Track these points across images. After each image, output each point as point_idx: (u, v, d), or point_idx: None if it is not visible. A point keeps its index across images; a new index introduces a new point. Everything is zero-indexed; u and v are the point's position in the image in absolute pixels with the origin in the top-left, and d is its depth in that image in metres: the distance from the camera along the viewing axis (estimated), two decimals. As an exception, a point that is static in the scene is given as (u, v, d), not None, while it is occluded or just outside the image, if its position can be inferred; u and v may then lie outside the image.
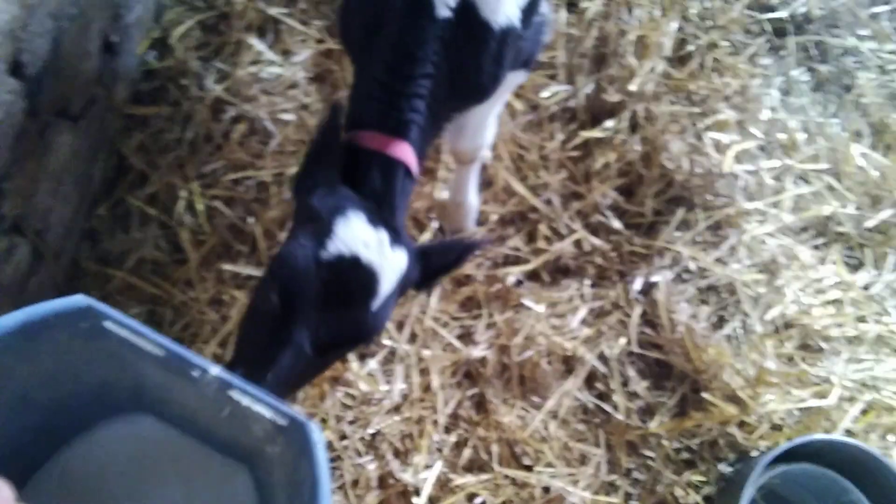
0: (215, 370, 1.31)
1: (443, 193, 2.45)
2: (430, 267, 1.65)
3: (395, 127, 1.64)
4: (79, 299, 1.30)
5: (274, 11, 2.68)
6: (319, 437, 1.28)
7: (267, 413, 1.32)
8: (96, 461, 1.55)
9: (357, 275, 1.47)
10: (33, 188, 1.92)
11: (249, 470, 1.64)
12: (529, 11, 1.77)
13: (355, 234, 1.48)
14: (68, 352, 1.38)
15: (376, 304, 1.50)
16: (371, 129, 1.64)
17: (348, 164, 1.64)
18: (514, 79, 1.99)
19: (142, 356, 1.35)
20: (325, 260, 1.45)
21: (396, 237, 1.54)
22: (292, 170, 2.37)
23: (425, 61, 1.64)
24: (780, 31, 2.98)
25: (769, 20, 2.96)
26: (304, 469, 1.28)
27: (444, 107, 1.77)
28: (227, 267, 2.24)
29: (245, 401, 1.33)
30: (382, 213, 1.57)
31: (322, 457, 1.26)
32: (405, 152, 1.64)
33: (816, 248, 2.57)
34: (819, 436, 2.12)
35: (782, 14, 2.97)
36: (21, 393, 1.23)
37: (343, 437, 2.10)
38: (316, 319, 1.44)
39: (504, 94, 2.11)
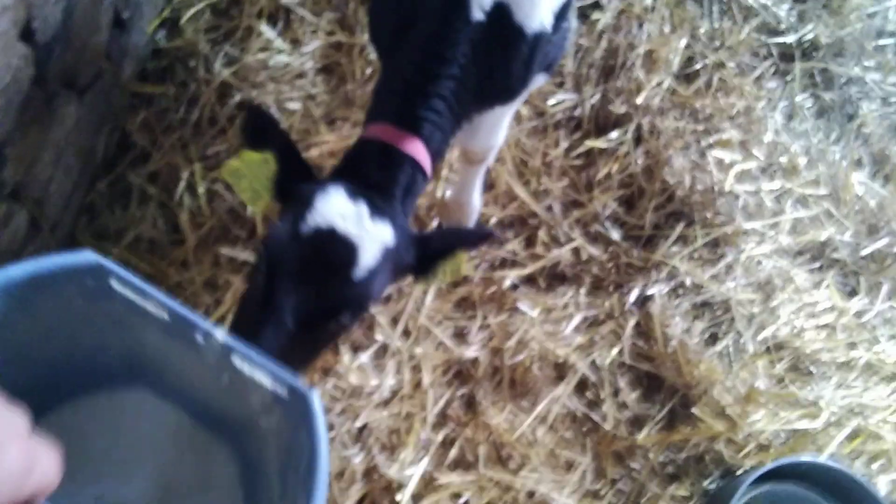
0: (220, 334, 1.29)
1: (446, 192, 2.44)
2: (429, 251, 1.64)
3: (410, 123, 1.63)
4: (89, 255, 1.28)
5: (286, 0, 2.67)
6: (320, 406, 1.26)
7: (268, 382, 1.31)
8: (79, 430, 1.53)
9: (334, 246, 1.47)
10: (35, 157, 1.90)
11: (234, 449, 1.62)
12: (560, 17, 1.78)
13: (333, 207, 1.48)
14: (70, 309, 1.35)
15: (357, 276, 1.48)
16: (387, 122, 1.64)
17: (355, 156, 1.64)
18: (536, 82, 2.00)
19: (145, 320, 1.33)
20: (304, 233, 1.46)
21: (378, 212, 1.52)
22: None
23: (453, 63, 1.64)
24: (786, 56, 3.01)
25: (776, 45, 2.99)
26: (302, 440, 1.26)
27: (467, 108, 1.77)
28: (225, 251, 2.23)
29: (247, 368, 1.31)
30: (370, 194, 1.56)
31: (322, 427, 1.24)
32: (416, 148, 1.63)
33: (812, 272, 2.59)
34: (806, 457, 2.13)
35: (790, 39, 3.00)
36: (17, 348, 1.20)
37: (330, 427, 2.08)
38: (297, 293, 1.44)
39: (523, 98, 2.12)
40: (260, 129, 1.57)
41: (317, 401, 1.26)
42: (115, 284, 1.31)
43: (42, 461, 0.74)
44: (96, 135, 2.24)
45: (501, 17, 1.65)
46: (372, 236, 1.50)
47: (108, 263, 1.28)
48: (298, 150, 1.60)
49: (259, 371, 1.30)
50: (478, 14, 1.63)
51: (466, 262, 1.73)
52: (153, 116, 2.42)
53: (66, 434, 1.53)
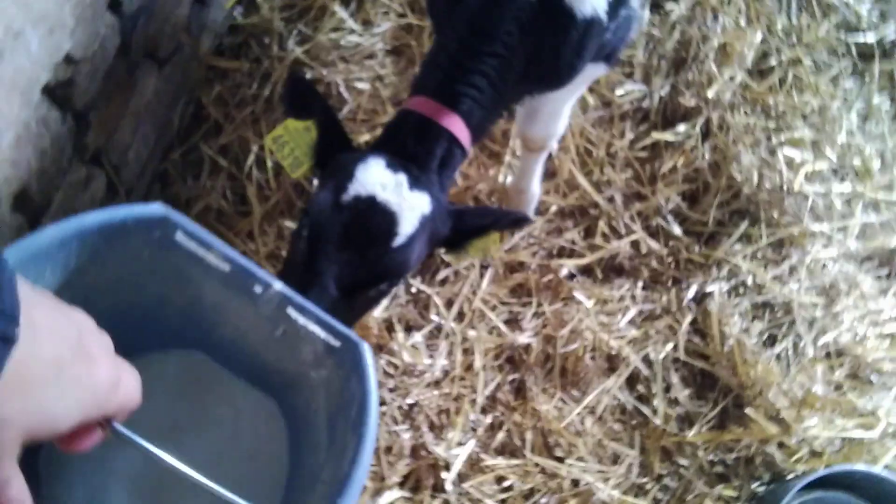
0: (278, 285, 1.34)
1: (508, 179, 2.45)
2: (463, 225, 1.67)
3: (448, 97, 1.65)
4: (157, 207, 1.34)
5: (360, -19, 2.71)
6: (371, 357, 1.31)
7: (321, 333, 1.36)
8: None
9: (374, 214, 1.52)
10: (116, 124, 1.98)
11: (281, 402, 1.68)
12: (617, 4, 1.75)
13: (373, 177, 1.53)
14: (136, 260, 1.41)
15: (397, 243, 1.53)
16: (428, 95, 1.66)
17: (395, 127, 1.67)
18: (594, 71, 1.98)
19: (206, 272, 1.39)
20: (345, 202, 1.51)
21: (417, 182, 1.56)
22: (364, 137, 2.40)
23: (498, 40, 1.64)
24: (865, 55, 2.91)
25: (856, 43, 2.89)
26: (353, 389, 1.31)
27: (513, 89, 1.77)
28: (289, 224, 2.29)
29: (301, 319, 1.36)
30: (408, 164, 1.59)
31: (373, 376, 1.30)
32: (454, 123, 1.65)
33: (878, 279, 2.52)
34: (860, 466, 2.08)
35: (870, 38, 2.90)
36: (86, 294, 1.26)
37: (382, 402, 2.12)
38: (338, 260, 1.49)
39: (582, 86, 2.10)
40: (302, 98, 1.63)
41: (367, 350, 1.30)
42: (180, 237, 1.37)
43: (127, 380, 0.80)
44: (173, 106, 2.32)
45: None
46: (411, 205, 1.54)
47: (175, 215, 1.34)
48: (339, 120, 1.66)
49: (313, 321, 1.35)
50: None
51: (497, 243, 1.76)
52: (227, 91, 2.49)
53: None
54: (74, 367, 0.70)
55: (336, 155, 1.61)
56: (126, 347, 1.48)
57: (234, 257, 1.35)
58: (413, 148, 1.63)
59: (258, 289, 1.37)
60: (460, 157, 1.72)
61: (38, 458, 1.52)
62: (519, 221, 1.82)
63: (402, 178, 1.54)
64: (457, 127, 1.65)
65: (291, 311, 1.37)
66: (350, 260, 1.51)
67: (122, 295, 1.47)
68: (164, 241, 1.38)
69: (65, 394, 0.69)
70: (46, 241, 1.26)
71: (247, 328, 1.53)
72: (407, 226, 1.53)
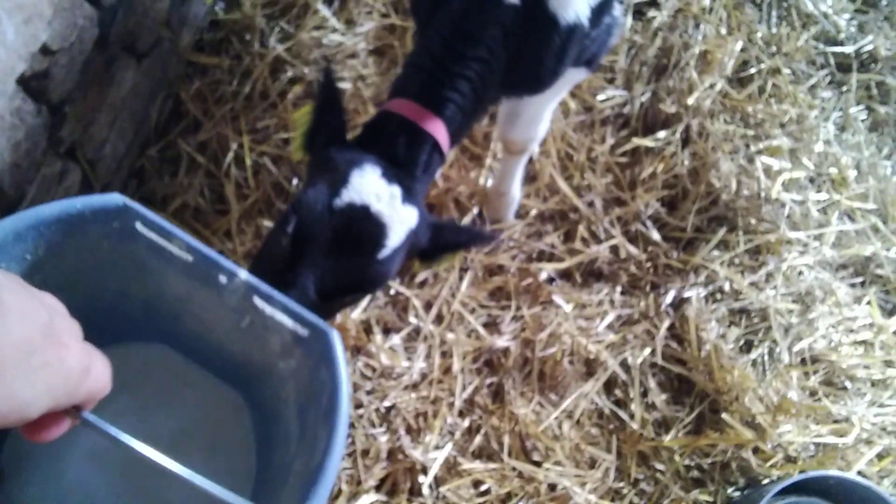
0: (244, 274, 1.32)
1: (488, 182, 2.45)
2: (440, 240, 1.67)
3: (433, 101, 1.64)
4: (115, 197, 1.32)
5: (344, -20, 2.69)
6: (341, 344, 1.29)
7: (288, 322, 1.33)
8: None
9: (366, 224, 1.50)
10: (92, 117, 1.94)
11: (248, 395, 1.66)
12: (600, 11, 1.75)
13: (369, 186, 1.51)
14: (96, 252, 1.38)
15: (382, 255, 1.52)
16: (410, 98, 1.65)
17: (378, 128, 1.66)
18: (575, 76, 1.98)
19: (168, 263, 1.37)
20: (338, 207, 1.49)
21: (409, 196, 1.56)
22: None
23: (482, 44, 1.63)
24: (843, 66, 2.95)
25: (834, 54, 2.93)
26: (323, 378, 1.29)
27: (494, 93, 1.77)
28: (267, 223, 2.26)
29: (268, 309, 1.34)
30: (399, 172, 1.59)
31: (343, 364, 1.28)
32: (437, 127, 1.65)
33: (853, 286, 2.54)
34: (833, 472, 2.10)
35: (848, 49, 2.94)
36: (42, 289, 1.24)
37: (359, 405, 2.11)
38: (322, 264, 1.48)
39: (562, 90, 2.10)
40: (323, 87, 1.61)
41: (337, 337, 1.28)
42: (140, 227, 1.34)
43: (97, 366, 0.78)
44: (151, 101, 2.28)
45: (536, 3, 1.63)
46: (401, 219, 1.53)
47: (135, 205, 1.31)
48: (341, 110, 1.63)
49: (280, 311, 1.33)
50: None
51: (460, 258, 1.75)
52: (207, 87, 2.46)
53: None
54: (45, 352, 0.69)
55: (327, 146, 1.59)
56: (89, 341, 1.45)
57: (197, 246, 1.33)
58: (398, 152, 1.62)
59: (223, 279, 1.34)
60: (439, 163, 1.72)
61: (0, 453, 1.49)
62: (492, 240, 1.82)
63: (396, 190, 1.53)
64: (439, 132, 1.65)
65: (258, 301, 1.35)
66: (334, 266, 1.49)
67: (81, 288, 1.44)
68: (123, 232, 1.35)
69: (34, 378, 0.68)
70: (2, 233, 1.23)
71: (211, 319, 1.51)
72: (395, 239, 1.52)
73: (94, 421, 0.81)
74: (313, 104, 1.62)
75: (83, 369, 0.75)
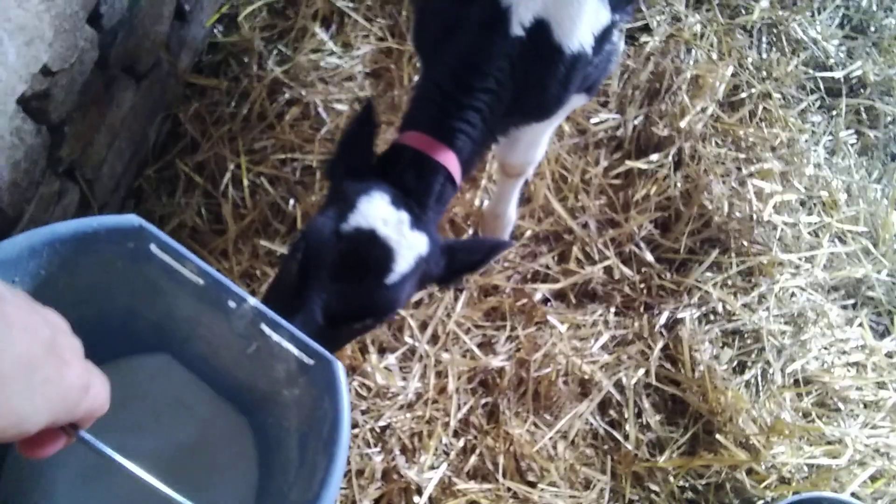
0: (252, 301, 1.33)
1: (484, 203, 2.47)
2: (455, 264, 1.68)
3: (445, 134, 1.67)
4: (132, 218, 1.33)
5: (341, 4, 2.73)
6: (345, 376, 1.30)
7: (295, 351, 1.34)
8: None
9: (373, 249, 1.51)
10: (91, 138, 1.96)
11: (252, 420, 1.66)
12: (602, 39, 1.79)
13: (376, 211, 1.53)
14: (108, 271, 1.39)
15: (390, 280, 1.52)
16: (421, 130, 1.67)
17: (391, 161, 1.67)
18: (576, 101, 2.01)
19: (179, 285, 1.38)
20: (345, 232, 1.50)
21: (418, 222, 1.57)
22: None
23: (490, 76, 1.66)
24: (833, 91, 3.00)
25: (824, 79, 2.98)
26: (326, 408, 1.30)
27: (502, 122, 1.80)
28: (264, 243, 2.27)
29: (275, 336, 1.35)
30: (408, 200, 1.60)
31: (346, 396, 1.29)
32: (449, 159, 1.67)
33: (845, 308, 2.56)
34: (827, 494, 2.10)
35: (837, 75, 2.99)
36: (55, 306, 1.25)
37: (354, 425, 2.10)
38: (330, 289, 1.48)
39: (563, 115, 2.14)
40: (359, 119, 1.64)
41: (341, 369, 1.29)
42: (154, 248, 1.35)
43: (96, 385, 0.79)
44: (149, 122, 2.30)
45: (541, 34, 1.66)
46: (409, 244, 1.54)
47: (150, 227, 1.33)
48: (369, 145, 1.66)
49: (287, 339, 1.34)
50: (517, 29, 1.64)
51: None
52: (205, 108, 2.48)
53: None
54: (46, 368, 0.69)
55: (345, 177, 1.61)
56: (95, 357, 1.46)
57: (209, 271, 1.34)
58: (411, 184, 1.64)
59: (232, 304, 1.35)
60: (452, 193, 1.73)
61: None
62: (504, 247, 1.84)
63: (404, 215, 1.55)
64: (451, 163, 1.67)
65: (265, 328, 1.36)
66: (341, 291, 1.49)
67: (93, 305, 1.45)
68: (137, 253, 1.36)
69: (35, 394, 0.68)
70: (17, 248, 1.24)
71: (219, 344, 1.51)
72: (403, 264, 1.53)
73: (90, 440, 0.82)
74: (344, 132, 1.65)
75: (82, 387, 0.75)
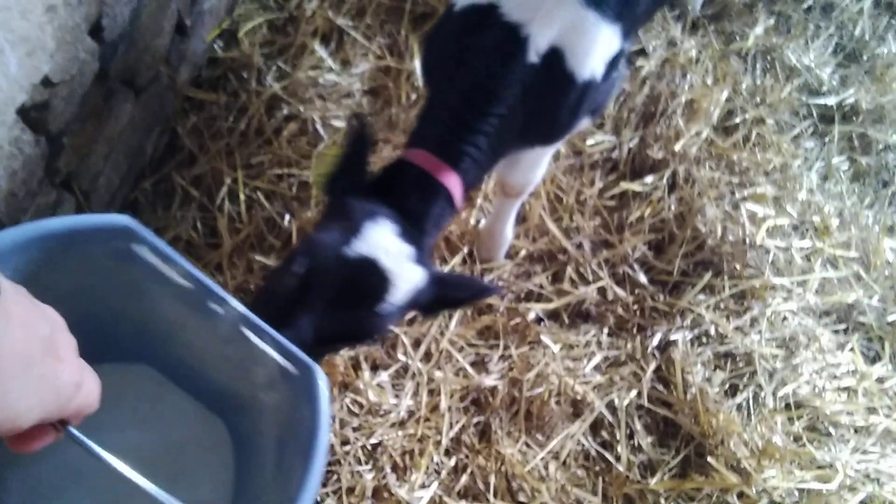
0: (238, 305, 1.34)
1: (480, 222, 2.48)
2: (443, 297, 1.69)
3: (451, 155, 1.68)
4: (121, 218, 1.34)
5: (341, 22, 2.76)
6: (325, 382, 1.31)
7: (276, 356, 1.34)
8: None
9: (372, 278, 1.52)
10: (88, 149, 1.96)
11: (229, 424, 1.66)
12: (612, 66, 1.81)
13: (380, 240, 1.54)
14: (94, 272, 1.39)
15: (382, 310, 1.54)
16: (428, 149, 1.68)
17: (394, 177, 1.68)
18: (580, 125, 2.03)
19: (163, 287, 1.38)
20: (347, 257, 1.51)
21: (419, 255, 1.58)
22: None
23: (502, 102, 1.67)
24: (826, 117, 3.03)
25: (817, 105, 3.02)
26: (305, 413, 1.30)
27: (508, 147, 1.81)
28: (259, 258, 2.27)
29: (257, 340, 1.35)
30: (412, 231, 1.61)
31: (326, 402, 1.29)
32: (452, 181, 1.68)
33: (836, 333, 2.57)
34: (818, 518, 2.10)
35: (830, 101, 3.02)
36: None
37: (345, 442, 2.10)
38: (322, 310, 1.49)
39: (566, 139, 2.16)
40: (355, 135, 1.66)
41: (321, 375, 1.30)
42: (141, 249, 1.35)
43: (89, 383, 0.80)
44: (147, 134, 2.31)
45: (555, 61, 1.68)
46: (408, 278, 1.56)
47: (138, 227, 1.33)
48: (366, 160, 1.67)
49: (269, 344, 1.34)
50: (533, 57, 1.66)
51: None
52: (203, 122, 2.49)
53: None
54: (42, 365, 0.70)
55: (346, 192, 1.61)
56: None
57: (195, 274, 1.34)
58: (411, 203, 1.65)
59: (217, 307, 1.35)
60: (451, 215, 1.75)
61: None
62: (492, 293, 1.86)
63: (407, 249, 1.56)
64: (454, 185, 1.68)
65: (248, 332, 1.36)
66: (334, 314, 1.50)
67: (76, 305, 1.43)
68: (124, 253, 1.36)
69: (30, 390, 0.69)
70: (5, 243, 1.24)
71: (201, 346, 1.51)
72: (397, 296, 1.54)
73: (79, 437, 0.82)
74: (342, 148, 1.66)
75: (76, 384, 0.76)
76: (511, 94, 1.67)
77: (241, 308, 1.34)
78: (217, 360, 1.48)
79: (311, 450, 1.24)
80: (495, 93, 1.66)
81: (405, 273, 1.55)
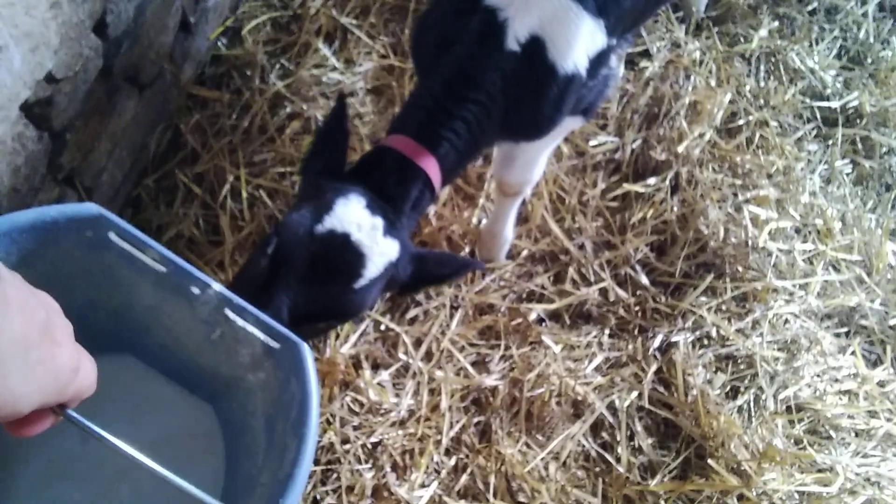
0: (217, 286, 1.33)
1: (482, 222, 2.48)
2: (423, 273, 1.70)
3: (429, 139, 1.69)
4: (90, 206, 1.32)
5: (345, 21, 2.76)
6: (311, 357, 1.30)
7: (260, 334, 1.34)
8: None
9: (345, 253, 1.53)
10: (92, 145, 1.96)
11: (216, 407, 1.66)
12: (598, 62, 1.80)
13: (351, 215, 1.54)
14: (68, 261, 1.38)
15: (358, 285, 1.54)
16: (408, 135, 1.69)
17: (373, 161, 1.69)
18: (572, 124, 2.03)
19: (140, 274, 1.37)
20: (318, 233, 1.52)
21: (392, 228, 1.58)
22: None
23: (481, 88, 1.68)
24: (829, 120, 3.03)
25: (820, 108, 3.01)
26: (293, 390, 1.29)
27: (489, 136, 1.81)
28: (261, 256, 2.27)
29: (240, 321, 1.34)
30: (385, 206, 1.62)
31: (313, 375, 1.28)
32: (430, 164, 1.68)
33: (838, 336, 2.57)
34: (818, 521, 2.10)
35: (834, 105, 3.02)
36: None
37: (346, 441, 2.10)
38: (297, 288, 1.49)
39: (559, 137, 2.15)
40: (333, 116, 1.67)
41: (307, 350, 1.30)
42: (114, 237, 1.34)
43: (86, 367, 0.80)
44: (150, 131, 2.31)
45: (536, 51, 1.67)
46: (381, 251, 1.56)
47: (109, 215, 1.32)
48: (344, 142, 1.68)
49: (252, 323, 1.34)
50: (512, 44, 1.66)
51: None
52: (206, 119, 2.49)
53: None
54: (40, 349, 0.70)
55: (321, 173, 1.62)
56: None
57: (171, 257, 1.33)
58: (390, 187, 1.65)
59: (195, 290, 1.35)
60: (429, 200, 1.75)
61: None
62: (474, 267, 1.84)
63: (378, 221, 1.56)
64: (432, 169, 1.68)
65: (230, 313, 1.36)
66: (309, 292, 1.51)
67: (51, 296, 1.44)
68: (96, 242, 1.35)
69: (29, 374, 0.69)
70: None
71: (181, 331, 1.51)
72: (373, 269, 1.55)
73: (78, 419, 0.83)
74: (318, 129, 1.65)
75: (73, 368, 0.77)
76: (489, 81, 1.67)
77: (220, 288, 1.34)
78: (200, 343, 1.47)
79: (303, 426, 1.24)
80: (474, 78, 1.67)
81: (378, 246, 1.55)
